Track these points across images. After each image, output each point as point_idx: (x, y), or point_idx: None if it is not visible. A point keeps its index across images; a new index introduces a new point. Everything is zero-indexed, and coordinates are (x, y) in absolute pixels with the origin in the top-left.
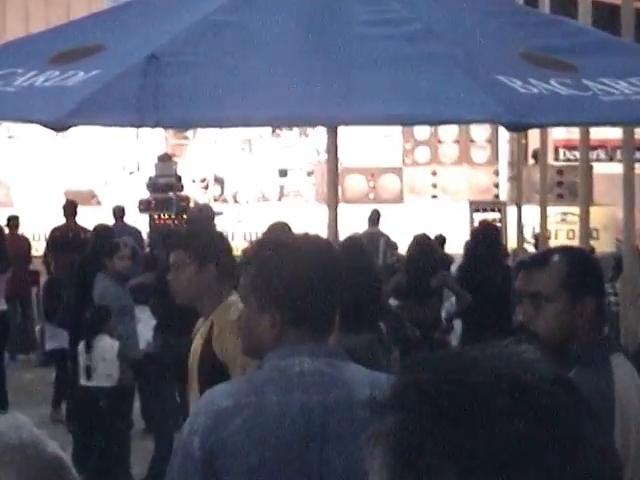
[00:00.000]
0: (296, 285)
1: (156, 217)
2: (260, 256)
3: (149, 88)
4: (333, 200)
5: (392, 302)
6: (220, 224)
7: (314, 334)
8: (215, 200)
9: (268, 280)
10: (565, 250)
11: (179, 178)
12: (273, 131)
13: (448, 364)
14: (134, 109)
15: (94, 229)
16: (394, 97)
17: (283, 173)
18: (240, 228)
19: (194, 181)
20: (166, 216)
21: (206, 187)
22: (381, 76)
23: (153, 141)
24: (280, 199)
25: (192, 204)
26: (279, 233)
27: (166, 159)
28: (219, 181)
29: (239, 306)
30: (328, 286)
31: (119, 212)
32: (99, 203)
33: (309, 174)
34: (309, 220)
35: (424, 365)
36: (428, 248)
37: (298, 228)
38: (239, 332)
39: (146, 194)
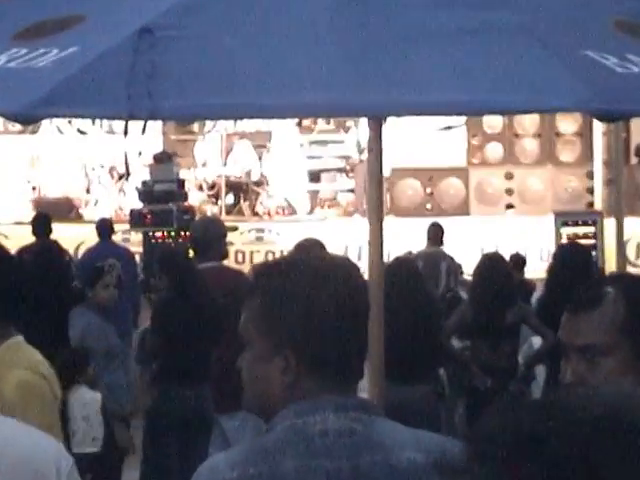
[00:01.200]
0: (315, 318)
1: (152, 234)
2: (268, 282)
3: (141, 70)
4: (378, 212)
5: (455, 343)
6: (235, 243)
7: (338, 382)
8: (228, 212)
9: (278, 312)
10: (620, 280)
11: (182, 184)
12: (300, 123)
13: (546, 407)
14: (122, 96)
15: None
16: (456, 79)
17: (315, 177)
18: (260, 248)
19: (201, 188)
20: (165, 233)
21: (217, 196)
22: (438, 53)
23: (148, 137)
24: (311, 211)
25: (199, 217)
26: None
27: (165, 160)
28: (233, 188)
29: (23, 349)
30: (356, 320)
31: (105, 228)
32: (79, 216)
33: (348, 178)
34: (348, 237)
35: (509, 409)
36: (502, 272)
37: (334, 247)
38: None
39: (139, 205)
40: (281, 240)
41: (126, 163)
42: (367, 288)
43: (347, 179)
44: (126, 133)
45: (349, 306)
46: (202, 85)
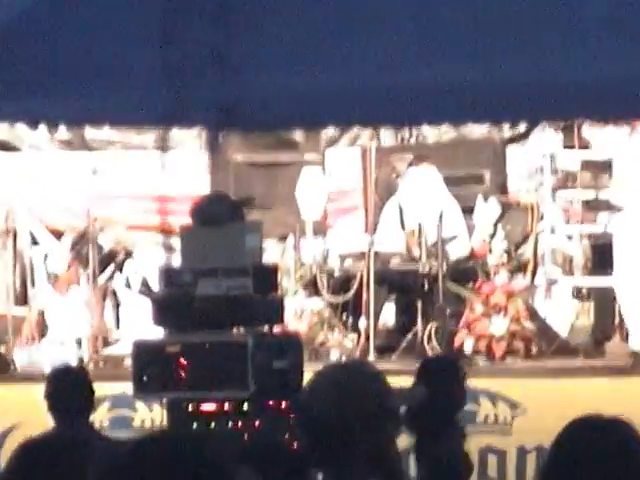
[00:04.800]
0: None
1: (194, 409)
2: None
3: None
4: None
5: None
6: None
7: None
8: (387, 351)
9: None
10: None
11: (270, 278)
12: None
13: None
14: (150, 79)
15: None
16: None
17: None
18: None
19: (316, 287)
20: (227, 406)
21: (356, 307)
22: None
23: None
24: (600, 345)
25: (320, 368)
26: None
27: (222, 216)
28: (399, 286)
29: None
30: None
31: (70, 395)
32: (4, 364)
33: None
34: None
35: None
36: None
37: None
38: None
39: (156, 332)
40: (534, 414)
41: (165, 232)
42: None
43: None
44: (164, 149)
45: None
46: (321, 48)
